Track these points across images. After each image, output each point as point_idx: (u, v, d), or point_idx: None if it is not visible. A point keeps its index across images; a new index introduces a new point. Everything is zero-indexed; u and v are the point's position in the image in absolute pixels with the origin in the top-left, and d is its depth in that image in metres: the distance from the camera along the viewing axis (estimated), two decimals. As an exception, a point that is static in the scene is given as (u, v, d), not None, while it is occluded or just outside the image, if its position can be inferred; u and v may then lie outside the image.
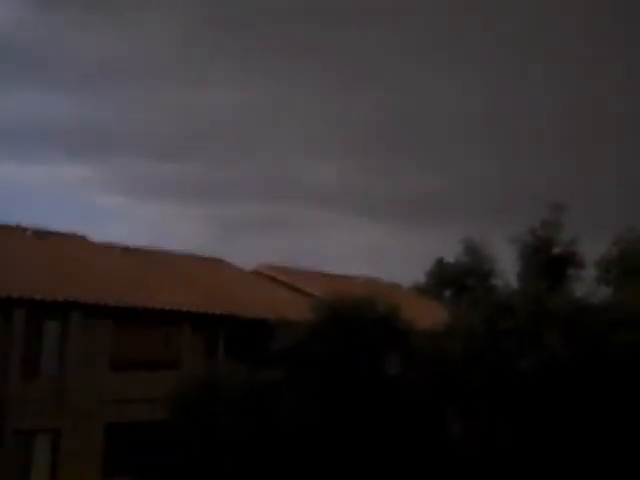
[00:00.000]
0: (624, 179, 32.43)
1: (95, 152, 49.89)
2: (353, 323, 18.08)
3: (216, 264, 28.11)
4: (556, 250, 24.25)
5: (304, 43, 38.91)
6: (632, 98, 34.21)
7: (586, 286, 24.25)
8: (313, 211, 46.85)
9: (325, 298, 19.59)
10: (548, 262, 23.76)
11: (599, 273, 27.17)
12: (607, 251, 27.91)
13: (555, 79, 36.00)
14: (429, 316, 21.96)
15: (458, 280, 24.88)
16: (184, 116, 44.29)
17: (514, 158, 36.24)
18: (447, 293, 25.91)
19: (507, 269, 24.57)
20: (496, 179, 36.31)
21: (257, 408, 16.56)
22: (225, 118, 44.76)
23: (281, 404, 16.79)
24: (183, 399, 16.92)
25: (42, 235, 22.18)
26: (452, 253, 26.88)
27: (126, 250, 24.58)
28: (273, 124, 44.03)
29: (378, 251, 41.10)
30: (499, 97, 37.37)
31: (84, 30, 41.69)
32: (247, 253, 37.67)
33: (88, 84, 46.47)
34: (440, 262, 27.97)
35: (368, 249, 43.10)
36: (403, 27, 36.75)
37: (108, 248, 24.20)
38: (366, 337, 17.79)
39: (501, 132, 37.26)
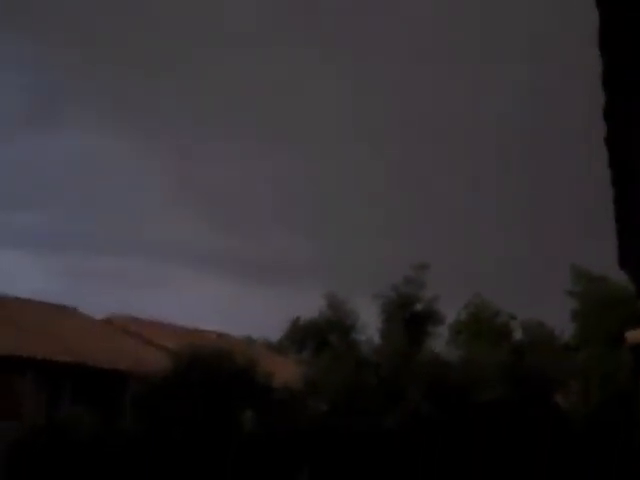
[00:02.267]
0: (484, 240, 33.47)
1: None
2: (209, 376, 17.47)
3: (66, 312, 26.75)
4: (418, 307, 24.60)
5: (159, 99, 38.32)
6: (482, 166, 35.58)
7: (444, 344, 24.71)
8: (167, 265, 45.69)
9: (181, 350, 18.92)
10: (410, 319, 24.02)
11: (451, 334, 27.86)
12: (458, 314, 28.75)
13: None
14: (287, 372, 21.60)
15: (319, 335, 24.64)
16: (30, 163, 42.44)
17: (375, 221, 36.66)
18: (307, 349, 25.60)
19: (370, 325, 24.69)
20: (361, 238, 36.56)
21: (105, 458, 15.55)
22: (77, 167, 43.23)
23: (131, 455, 15.84)
24: (22, 449, 15.66)
25: None
26: (312, 311, 26.79)
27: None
28: (129, 176, 42.90)
29: (235, 307, 40.51)
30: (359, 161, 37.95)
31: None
32: (99, 304, 36.15)
33: None
34: (298, 319, 27.69)
35: (224, 305, 42.36)
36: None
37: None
38: (223, 391, 17.18)
39: (365, 192, 37.72)
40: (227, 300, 41.90)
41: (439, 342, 24.99)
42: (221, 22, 34.51)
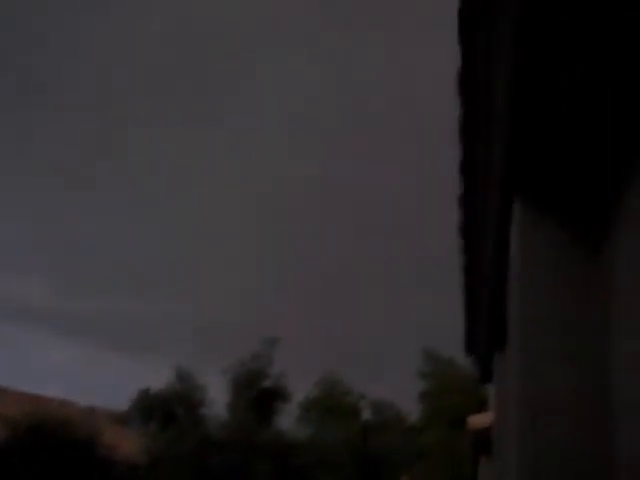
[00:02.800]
0: (335, 318, 33.83)
1: None
2: (49, 447, 16.60)
3: None
4: (266, 383, 24.41)
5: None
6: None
7: (292, 421, 24.55)
8: (9, 325, 43.43)
9: (20, 418, 17.91)
10: (258, 394, 23.79)
11: (302, 411, 27.75)
12: (309, 391, 28.74)
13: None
14: (130, 445, 20.79)
15: (166, 408, 23.94)
16: None
17: (232, 295, 36.39)
18: (154, 422, 24.79)
19: (218, 399, 24.24)
20: (209, 310, 36.14)
21: None
22: None
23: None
24: None
25: None
26: (161, 382, 26.08)
27: None
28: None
29: (81, 374, 38.88)
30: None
31: None
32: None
33: None
34: (146, 390, 26.83)
35: (63, 370, 40.59)
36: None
37: None
38: (63, 463, 16.33)
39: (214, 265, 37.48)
40: (73, 366, 40.24)
41: (288, 420, 24.88)
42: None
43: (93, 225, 38.65)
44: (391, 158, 34.26)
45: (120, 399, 29.14)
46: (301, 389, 27.44)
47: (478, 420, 10.16)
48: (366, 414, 28.03)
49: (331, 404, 28.01)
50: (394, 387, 28.98)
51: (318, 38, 32.56)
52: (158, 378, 26.35)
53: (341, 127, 34.68)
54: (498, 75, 3.24)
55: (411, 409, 27.83)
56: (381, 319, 34.47)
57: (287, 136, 34.97)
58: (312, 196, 36.05)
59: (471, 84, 3.53)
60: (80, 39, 33.16)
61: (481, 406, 18.73)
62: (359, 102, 34.20)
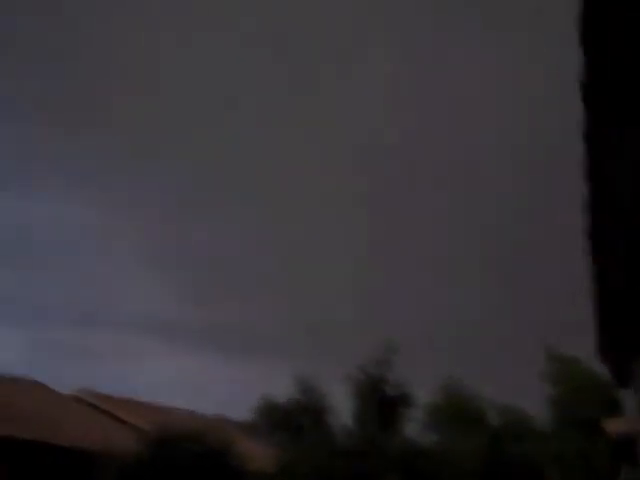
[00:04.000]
0: (457, 323, 33.43)
1: None
2: (181, 457, 17.01)
3: (31, 387, 26.14)
4: (389, 390, 24.37)
5: (143, 170, 38.52)
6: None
7: (418, 428, 24.39)
8: (132, 339, 44.95)
9: (152, 429, 18.45)
10: (381, 401, 23.78)
11: (426, 417, 27.49)
12: (433, 396, 28.40)
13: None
14: (259, 455, 21.10)
15: (291, 418, 24.24)
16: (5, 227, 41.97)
17: (345, 295, 36.52)
18: (279, 432, 25.12)
19: (341, 407, 24.37)
20: (324, 314, 36.33)
21: None
22: (44, 234, 42.82)
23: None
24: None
25: None
26: (283, 390, 26.39)
27: None
28: (102, 249, 42.59)
29: (200, 383, 39.79)
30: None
31: None
32: (65, 378, 35.36)
33: None
34: (268, 399, 27.21)
35: (190, 381, 41.65)
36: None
37: None
38: (195, 473, 16.71)
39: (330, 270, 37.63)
40: (197, 375, 41.27)
41: (413, 426, 24.71)
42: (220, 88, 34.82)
43: (208, 236, 39.61)
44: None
45: (242, 409, 29.73)
46: (422, 394, 27.24)
47: (615, 425, 9.75)
48: (493, 419, 27.50)
49: (456, 409, 27.63)
50: (516, 389, 28.40)
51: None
52: (279, 387, 26.70)
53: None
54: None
55: (537, 413, 27.17)
56: (495, 319, 33.84)
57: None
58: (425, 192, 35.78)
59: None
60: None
61: (614, 410, 18.07)
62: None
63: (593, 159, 4.00)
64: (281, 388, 25.69)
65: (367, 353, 24.24)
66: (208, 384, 38.84)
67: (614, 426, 9.65)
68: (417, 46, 32.98)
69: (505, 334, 32.16)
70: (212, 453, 17.39)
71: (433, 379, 28.06)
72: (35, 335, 44.47)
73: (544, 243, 31.55)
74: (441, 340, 31.75)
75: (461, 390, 28.57)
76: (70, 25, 32.05)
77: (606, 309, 6.00)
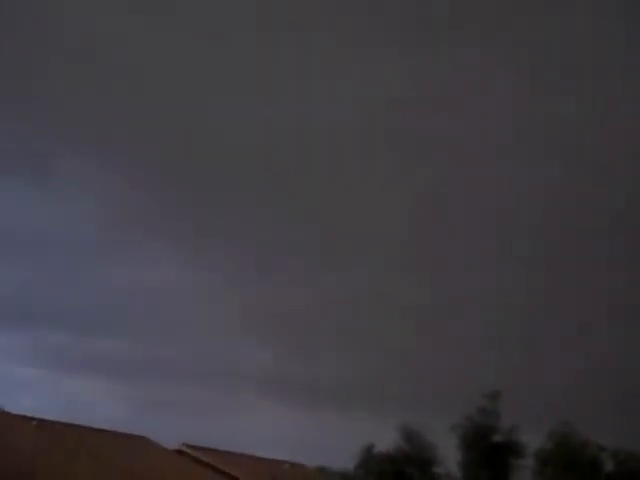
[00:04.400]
0: (562, 370, 32.49)
1: (14, 322, 48.36)
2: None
3: (138, 442, 26.57)
4: (496, 438, 23.70)
5: (236, 225, 39.33)
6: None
7: (529, 476, 23.54)
8: (231, 393, 45.54)
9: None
10: (489, 450, 23.12)
11: (537, 465, 26.51)
12: (543, 443, 27.35)
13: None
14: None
15: (397, 468, 23.79)
16: (111, 291, 43.78)
17: (444, 346, 35.99)
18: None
19: (448, 457, 23.82)
20: (425, 365, 35.84)
21: None
22: (154, 297, 44.34)
23: None
24: None
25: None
26: (383, 440, 25.98)
27: (42, 423, 23.06)
28: (199, 305, 43.70)
29: (300, 436, 39.69)
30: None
31: (19, 206, 41.98)
32: (168, 433, 35.99)
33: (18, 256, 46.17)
34: (372, 448, 26.76)
35: (289, 433, 41.63)
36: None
37: (24, 420, 22.64)
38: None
39: (432, 320, 37.16)
40: (296, 427, 41.23)
41: (524, 475, 23.89)
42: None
43: (302, 292, 40.00)
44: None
45: (343, 460, 29.36)
46: (533, 441, 26.37)
47: None
48: (608, 466, 26.28)
49: (569, 457, 26.54)
50: (630, 434, 27.22)
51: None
52: (383, 438, 26.26)
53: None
54: None
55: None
56: (605, 365, 32.74)
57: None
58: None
59: None
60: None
61: None
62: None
63: None
64: (384, 439, 25.34)
65: (473, 401, 23.73)
66: (308, 436, 38.73)
67: None
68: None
69: (617, 377, 31.08)
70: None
71: (544, 426, 27.21)
72: (139, 390, 45.48)
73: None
74: (552, 386, 30.88)
75: (573, 436, 27.50)
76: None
77: None
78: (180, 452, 27.96)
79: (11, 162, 37.37)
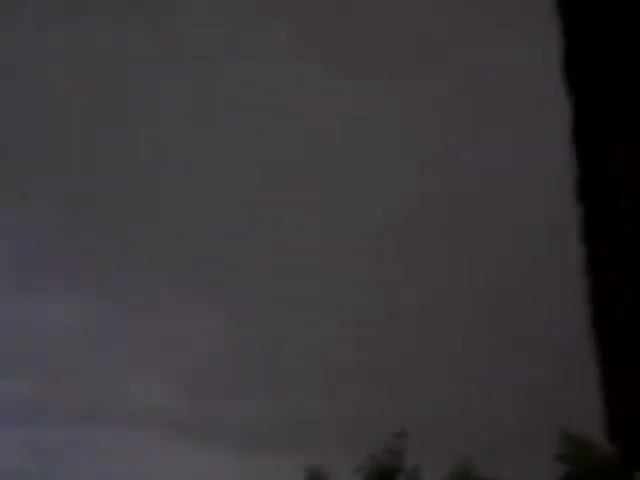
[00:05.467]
0: (468, 406, 33.02)
1: None
2: None
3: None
4: (401, 478, 23.94)
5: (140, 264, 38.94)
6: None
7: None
8: (132, 434, 44.57)
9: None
10: (392, 492, 23.37)
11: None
12: (445, 480, 27.79)
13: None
14: None
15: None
16: (11, 332, 42.60)
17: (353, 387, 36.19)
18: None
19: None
20: (335, 407, 35.94)
21: None
22: (56, 338, 43.26)
23: None
24: None
25: None
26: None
27: None
28: (103, 346, 42.86)
29: (206, 478, 39.22)
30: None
31: None
32: (69, 477, 34.95)
33: None
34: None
35: (191, 475, 41.09)
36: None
37: None
38: None
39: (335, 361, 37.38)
40: (200, 470, 40.70)
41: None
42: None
43: (207, 328, 39.62)
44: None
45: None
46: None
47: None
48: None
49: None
50: (530, 472, 27.80)
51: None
52: (289, 475, 26.17)
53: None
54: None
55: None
56: (509, 401, 33.42)
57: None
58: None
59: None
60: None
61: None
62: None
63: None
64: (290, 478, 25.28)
65: (378, 442, 23.95)
66: (216, 477, 38.22)
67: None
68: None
69: (520, 416, 31.77)
70: None
71: (447, 464, 27.64)
72: (35, 434, 44.08)
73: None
74: (455, 424, 31.34)
75: (472, 473, 28.02)
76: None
77: (611, 391, 5.94)
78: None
79: None
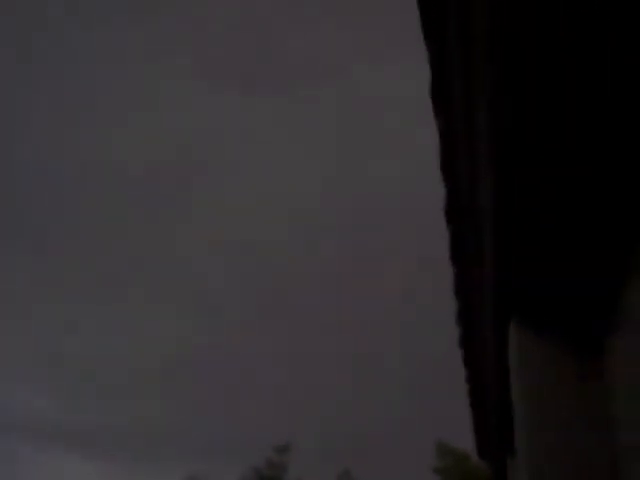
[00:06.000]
0: (347, 419, 33.32)
1: None
2: None
3: None
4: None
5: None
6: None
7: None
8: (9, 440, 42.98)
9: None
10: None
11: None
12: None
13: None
14: None
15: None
16: None
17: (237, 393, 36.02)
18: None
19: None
20: (218, 413, 35.69)
21: None
22: None
23: None
24: None
25: None
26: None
27: None
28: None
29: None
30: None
31: None
32: None
33: None
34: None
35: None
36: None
37: None
38: None
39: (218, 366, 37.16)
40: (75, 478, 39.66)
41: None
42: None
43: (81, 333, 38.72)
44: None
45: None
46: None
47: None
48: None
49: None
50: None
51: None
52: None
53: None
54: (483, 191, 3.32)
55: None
56: (390, 414, 33.88)
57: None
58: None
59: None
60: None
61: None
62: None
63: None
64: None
65: (260, 454, 23.96)
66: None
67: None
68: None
69: (397, 428, 32.25)
70: None
71: (328, 476, 27.86)
72: None
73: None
74: (333, 436, 31.55)
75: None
76: None
77: (478, 411, 6.21)
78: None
79: None
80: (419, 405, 31.98)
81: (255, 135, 36.33)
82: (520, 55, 2.36)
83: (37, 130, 35.92)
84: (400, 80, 29.83)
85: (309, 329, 35.47)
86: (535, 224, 3.05)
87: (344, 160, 36.11)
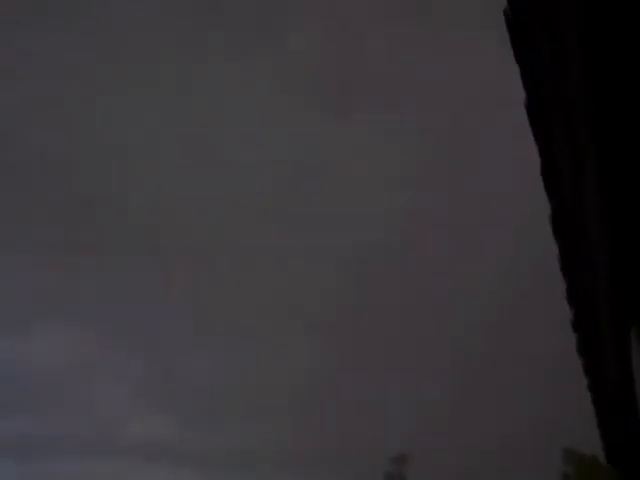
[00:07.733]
0: (480, 434, 32.75)
1: None
2: None
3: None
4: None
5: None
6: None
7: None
8: (133, 466, 44.21)
9: None
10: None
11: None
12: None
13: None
14: None
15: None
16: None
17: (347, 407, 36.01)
18: None
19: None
20: (328, 429, 35.72)
21: None
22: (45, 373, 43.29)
23: None
24: None
25: None
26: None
27: None
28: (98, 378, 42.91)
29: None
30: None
31: None
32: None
33: None
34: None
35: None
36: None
37: None
38: None
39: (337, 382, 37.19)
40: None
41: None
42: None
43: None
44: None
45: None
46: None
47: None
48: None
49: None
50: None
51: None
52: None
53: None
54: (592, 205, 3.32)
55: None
56: (509, 419, 33.17)
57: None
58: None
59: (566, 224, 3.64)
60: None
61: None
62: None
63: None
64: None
65: (378, 466, 23.97)
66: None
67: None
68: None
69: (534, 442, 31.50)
70: None
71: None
72: (36, 470, 43.75)
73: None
74: (452, 451, 31.16)
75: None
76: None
77: (604, 419, 6.11)
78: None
79: None
80: (541, 413, 31.23)
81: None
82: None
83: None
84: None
85: (423, 344, 35.23)
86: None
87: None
